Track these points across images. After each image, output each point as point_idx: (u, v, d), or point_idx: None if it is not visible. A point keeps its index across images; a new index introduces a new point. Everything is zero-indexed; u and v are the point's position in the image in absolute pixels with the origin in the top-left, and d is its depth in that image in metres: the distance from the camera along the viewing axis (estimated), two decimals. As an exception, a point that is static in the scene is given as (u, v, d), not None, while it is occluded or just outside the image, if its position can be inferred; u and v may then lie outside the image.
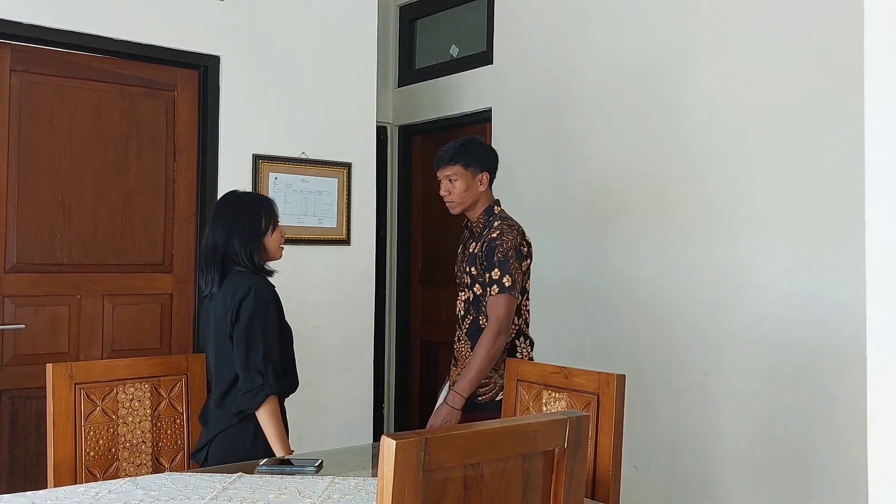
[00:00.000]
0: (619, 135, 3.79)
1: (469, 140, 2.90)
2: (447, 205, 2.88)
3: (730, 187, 3.36)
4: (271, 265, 2.54)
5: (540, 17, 4.20)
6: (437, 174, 2.87)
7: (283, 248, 2.57)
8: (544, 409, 2.34)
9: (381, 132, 4.95)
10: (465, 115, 4.69)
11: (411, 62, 5.18)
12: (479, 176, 2.83)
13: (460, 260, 2.93)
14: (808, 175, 3.11)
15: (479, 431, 1.32)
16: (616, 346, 3.75)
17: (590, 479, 2.13)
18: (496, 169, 2.91)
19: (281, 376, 2.40)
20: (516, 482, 1.36)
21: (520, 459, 1.36)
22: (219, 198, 2.61)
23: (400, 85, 5.17)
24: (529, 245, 2.83)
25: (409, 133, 5.16)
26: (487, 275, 2.71)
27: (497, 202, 2.89)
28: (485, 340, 2.67)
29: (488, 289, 2.71)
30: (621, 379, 2.16)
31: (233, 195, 2.61)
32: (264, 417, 2.32)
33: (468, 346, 2.81)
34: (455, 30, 4.92)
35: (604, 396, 2.17)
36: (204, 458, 2.37)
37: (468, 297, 2.83)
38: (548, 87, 4.14)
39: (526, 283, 2.81)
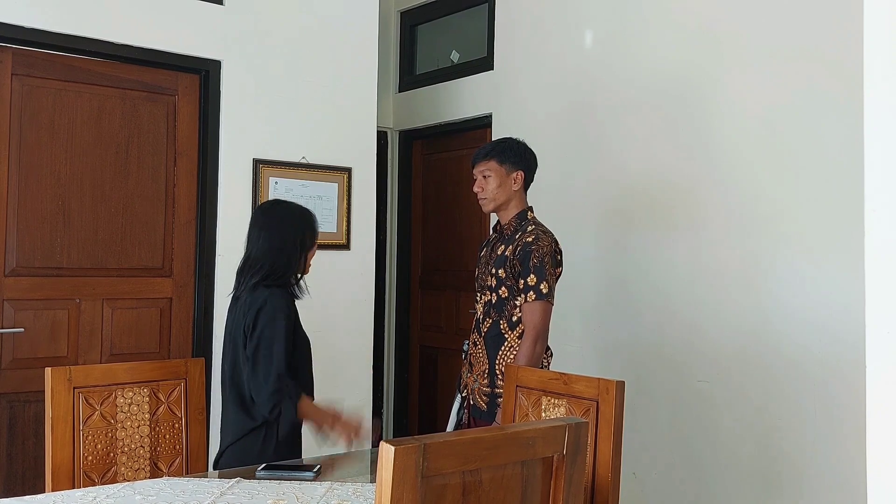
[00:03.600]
0: (620, 139, 3.79)
1: (507, 139, 2.92)
2: (480, 202, 2.87)
3: (724, 194, 3.36)
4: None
5: (541, 23, 4.21)
6: (473, 171, 2.87)
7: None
8: (543, 415, 2.34)
9: (382, 137, 4.95)
10: (466, 120, 4.69)
11: (412, 67, 5.18)
12: (514, 174, 2.82)
13: (485, 262, 2.89)
14: (812, 181, 3.11)
15: (478, 438, 1.32)
16: (615, 353, 3.75)
17: (588, 485, 2.12)
18: (533, 171, 2.89)
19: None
20: (515, 489, 1.36)
21: (518, 466, 1.36)
22: (261, 204, 2.64)
23: (401, 90, 5.18)
24: (561, 253, 2.81)
25: (410, 138, 5.17)
26: (522, 280, 2.70)
27: (531, 208, 2.87)
28: (523, 349, 2.66)
29: (524, 295, 2.69)
30: (620, 385, 2.16)
31: (279, 207, 2.61)
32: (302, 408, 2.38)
33: (485, 352, 2.79)
34: (456, 35, 4.93)
35: (603, 403, 2.17)
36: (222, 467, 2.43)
37: (490, 300, 2.80)
38: (548, 92, 4.15)
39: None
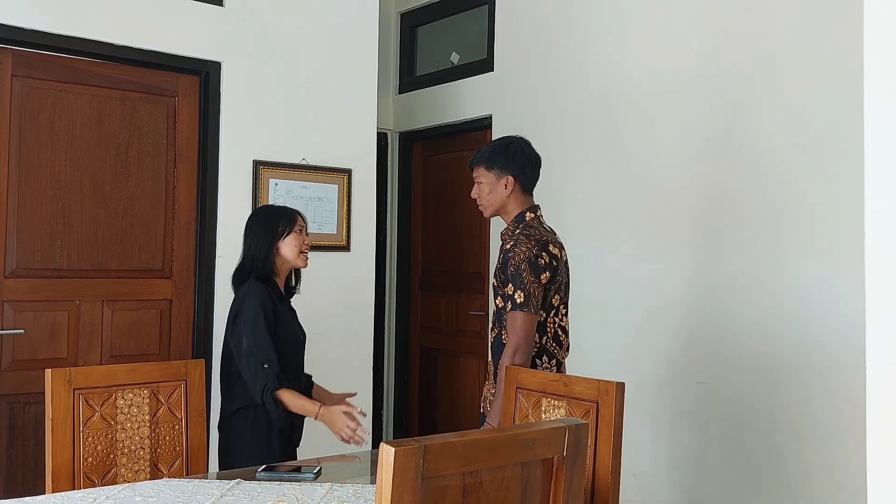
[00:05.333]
0: (621, 140, 3.79)
1: (499, 141, 2.78)
2: (479, 208, 2.79)
3: (726, 198, 3.36)
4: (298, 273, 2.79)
5: (541, 25, 4.21)
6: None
7: (306, 257, 2.71)
8: (543, 416, 2.34)
9: (382, 139, 4.95)
10: (466, 122, 4.69)
11: (412, 69, 5.19)
12: (503, 179, 2.68)
13: None
14: (814, 183, 3.11)
15: (478, 439, 1.32)
16: (615, 354, 3.75)
17: (588, 487, 2.12)
18: (526, 173, 2.71)
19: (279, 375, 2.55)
20: (515, 490, 1.36)
21: (518, 467, 1.36)
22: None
23: (401, 91, 5.18)
24: (554, 257, 2.61)
25: (410, 140, 5.17)
26: (504, 290, 2.60)
27: (533, 209, 2.71)
28: (503, 362, 2.56)
29: (506, 305, 2.59)
30: (620, 387, 2.15)
31: (260, 208, 2.93)
32: (284, 403, 2.54)
33: (491, 360, 2.76)
34: (456, 37, 4.93)
35: (603, 405, 2.16)
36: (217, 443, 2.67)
37: (494, 310, 2.72)
38: (548, 94, 4.15)
39: (553, 297, 2.62)
